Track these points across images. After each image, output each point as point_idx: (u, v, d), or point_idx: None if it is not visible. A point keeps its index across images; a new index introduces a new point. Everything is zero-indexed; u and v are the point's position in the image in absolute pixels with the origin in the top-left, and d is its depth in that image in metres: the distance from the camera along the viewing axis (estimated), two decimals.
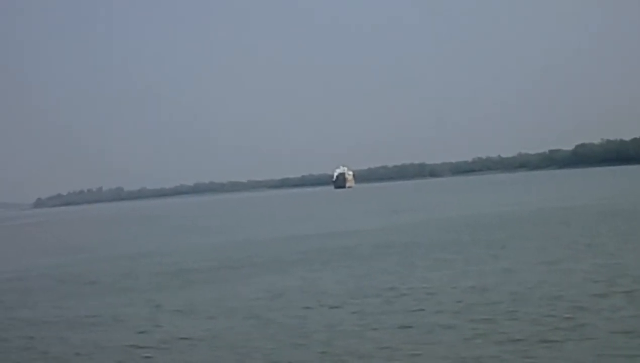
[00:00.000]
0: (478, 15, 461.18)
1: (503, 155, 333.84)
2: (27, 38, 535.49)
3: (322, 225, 54.28)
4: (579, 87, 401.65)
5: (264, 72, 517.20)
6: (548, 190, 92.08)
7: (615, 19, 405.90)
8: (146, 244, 48.99)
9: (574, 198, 64.66)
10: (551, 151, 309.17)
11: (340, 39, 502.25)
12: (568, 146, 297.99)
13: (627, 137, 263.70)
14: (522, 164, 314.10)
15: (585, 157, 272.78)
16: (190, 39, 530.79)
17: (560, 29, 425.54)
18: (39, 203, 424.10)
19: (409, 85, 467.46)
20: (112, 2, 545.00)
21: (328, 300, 20.34)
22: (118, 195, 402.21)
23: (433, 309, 17.76)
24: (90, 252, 45.42)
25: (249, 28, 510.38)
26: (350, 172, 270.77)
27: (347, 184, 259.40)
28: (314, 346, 15.00)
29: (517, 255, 27.06)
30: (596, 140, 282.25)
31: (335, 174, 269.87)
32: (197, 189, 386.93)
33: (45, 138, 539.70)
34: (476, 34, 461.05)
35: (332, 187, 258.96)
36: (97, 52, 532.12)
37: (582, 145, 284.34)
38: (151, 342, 16.43)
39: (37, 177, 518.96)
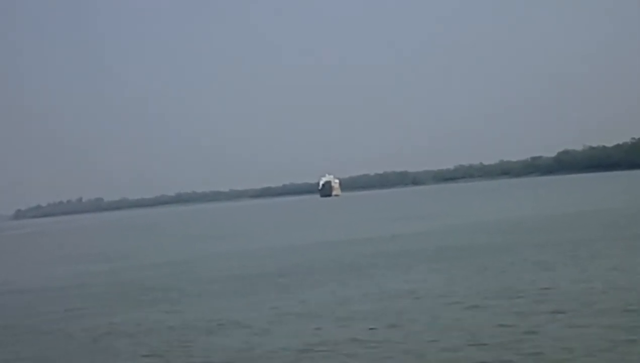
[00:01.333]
0: (465, 21, 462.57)
1: (485, 163, 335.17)
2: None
3: (353, 231, 53.55)
4: (562, 94, 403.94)
5: (245, 80, 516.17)
6: (552, 197, 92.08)
7: (599, 25, 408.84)
8: (170, 252, 48.12)
9: (579, 204, 64.58)
10: (533, 158, 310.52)
11: (325, 44, 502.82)
12: (550, 153, 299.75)
13: (609, 144, 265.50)
14: (504, 171, 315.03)
15: (567, 164, 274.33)
16: (173, 47, 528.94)
17: (545, 36, 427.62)
18: (19, 215, 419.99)
19: (392, 93, 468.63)
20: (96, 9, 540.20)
21: (456, 299, 19.85)
22: (98, 206, 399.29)
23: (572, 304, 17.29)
24: (121, 260, 44.26)
25: (231, 33, 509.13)
26: (337, 180, 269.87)
27: (334, 193, 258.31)
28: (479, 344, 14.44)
29: (607, 255, 26.67)
30: (578, 147, 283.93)
31: (321, 182, 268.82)
32: (179, 199, 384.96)
33: (24, 147, 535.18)
34: (459, 39, 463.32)
35: (317, 196, 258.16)
36: (81, 59, 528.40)
37: (565, 151, 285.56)
38: (314, 345, 15.77)
39: (15, 188, 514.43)
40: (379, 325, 17.28)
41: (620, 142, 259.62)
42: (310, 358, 14.80)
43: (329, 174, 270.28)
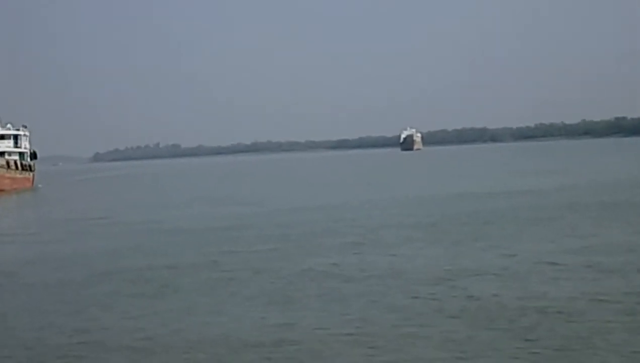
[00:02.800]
0: None
1: (566, 122, 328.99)
2: None
3: (486, 184, 51.78)
4: None
5: (322, 32, 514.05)
6: None
7: None
8: (307, 197, 47.43)
9: None
10: (617, 118, 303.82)
11: None
12: (635, 114, 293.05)
13: None
14: (587, 130, 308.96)
15: None
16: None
17: None
18: (97, 158, 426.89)
19: (474, 47, 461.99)
20: None
21: None
22: (175, 152, 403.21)
23: None
24: (259, 204, 43.38)
25: None
26: (419, 134, 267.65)
27: (415, 146, 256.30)
28: None
29: None
30: None
31: (403, 136, 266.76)
32: (255, 148, 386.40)
33: (104, 95, 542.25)
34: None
35: (398, 149, 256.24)
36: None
37: None
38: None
39: (94, 131, 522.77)
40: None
41: None
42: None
43: (411, 128, 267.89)
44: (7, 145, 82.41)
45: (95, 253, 25.08)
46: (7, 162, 79.32)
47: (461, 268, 18.62)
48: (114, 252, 24.95)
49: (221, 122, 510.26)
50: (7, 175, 78.82)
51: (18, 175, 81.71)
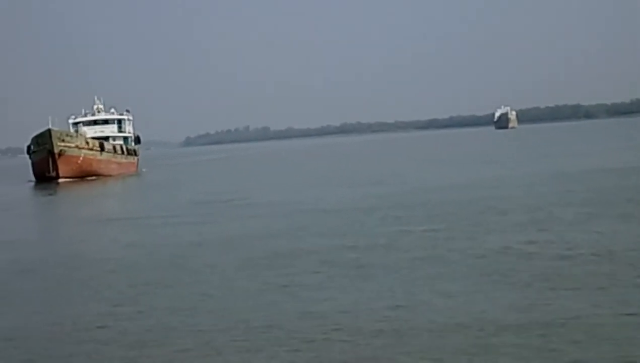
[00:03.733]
0: None
1: None
2: None
3: (612, 159, 50.12)
4: None
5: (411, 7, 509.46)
6: None
7: None
8: (440, 176, 46.34)
9: None
10: None
11: None
12: None
13: None
14: None
15: None
16: None
17: None
18: (188, 142, 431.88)
19: (563, 24, 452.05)
20: None
21: None
22: (265, 135, 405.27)
23: None
24: (400, 184, 42.36)
25: None
26: (514, 112, 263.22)
27: (510, 125, 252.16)
28: None
29: None
30: None
31: (498, 114, 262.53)
32: (344, 129, 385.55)
33: (193, 79, 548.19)
34: None
35: (492, 128, 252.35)
36: None
37: None
38: None
39: (185, 116, 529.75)
40: None
41: None
42: None
43: (505, 106, 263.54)
44: (111, 130, 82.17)
45: (265, 234, 24.43)
46: (114, 147, 78.88)
47: None
48: (285, 233, 24.36)
49: (309, 104, 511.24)
50: (114, 160, 78.41)
51: (124, 160, 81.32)
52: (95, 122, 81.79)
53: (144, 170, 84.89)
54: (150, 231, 28.31)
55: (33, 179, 73.91)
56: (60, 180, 69.78)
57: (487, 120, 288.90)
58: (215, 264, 19.50)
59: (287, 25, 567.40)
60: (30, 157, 75.92)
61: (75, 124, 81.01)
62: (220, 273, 18.26)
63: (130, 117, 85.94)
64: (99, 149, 75.21)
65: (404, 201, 32.04)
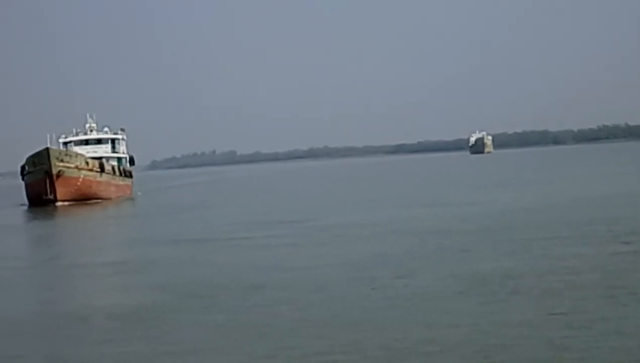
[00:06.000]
0: None
1: (631, 123, 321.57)
2: None
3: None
4: None
5: (375, 37, 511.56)
6: None
7: None
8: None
9: None
10: None
11: None
12: None
13: None
14: None
15: None
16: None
17: None
18: (154, 165, 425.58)
19: (529, 51, 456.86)
20: None
21: None
22: (231, 159, 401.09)
23: None
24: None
25: None
26: (490, 137, 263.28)
27: (486, 150, 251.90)
28: None
29: None
30: None
31: (473, 139, 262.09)
32: (311, 154, 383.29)
33: (159, 101, 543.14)
34: None
35: (466, 153, 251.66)
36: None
37: None
38: None
39: (150, 139, 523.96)
40: None
41: None
42: None
43: (481, 131, 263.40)
44: (104, 150, 76.96)
45: (423, 255, 22.21)
46: (113, 168, 74.27)
47: None
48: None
49: (276, 128, 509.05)
50: (113, 182, 73.79)
51: (121, 182, 76.73)
52: (87, 142, 76.83)
53: (139, 193, 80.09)
54: (269, 253, 25.41)
55: (26, 202, 69.39)
56: (58, 203, 65.51)
57: (456, 146, 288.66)
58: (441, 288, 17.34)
59: (253, 49, 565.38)
60: (23, 179, 71.89)
61: (66, 143, 75.66)
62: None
63: (125, 137, 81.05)
64: (99, 169, 70.47)
65: (511, 222, 29.52)
